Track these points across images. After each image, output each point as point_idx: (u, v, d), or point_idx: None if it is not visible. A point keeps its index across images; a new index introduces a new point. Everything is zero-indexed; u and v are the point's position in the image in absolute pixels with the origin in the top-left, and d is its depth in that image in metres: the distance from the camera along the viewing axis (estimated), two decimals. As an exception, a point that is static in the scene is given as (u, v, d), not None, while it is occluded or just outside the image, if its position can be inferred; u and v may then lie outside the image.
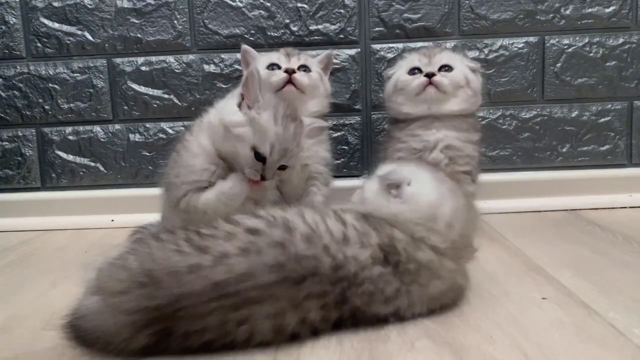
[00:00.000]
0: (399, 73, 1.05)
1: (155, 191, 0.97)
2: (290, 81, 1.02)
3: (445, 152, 0.98)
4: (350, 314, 0.64)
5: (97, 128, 1.35)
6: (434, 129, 1.00)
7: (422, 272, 0.65)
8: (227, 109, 0.83)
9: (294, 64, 1.06)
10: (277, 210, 0.67)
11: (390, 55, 1.31)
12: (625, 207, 1.28)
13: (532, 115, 1.34)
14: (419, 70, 1.02)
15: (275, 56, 1.08)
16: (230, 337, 0.59)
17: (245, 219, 0.65)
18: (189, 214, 0.85)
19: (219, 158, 0.84)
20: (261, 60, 1.09)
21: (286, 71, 1.03)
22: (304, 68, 1.06)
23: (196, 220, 0.80)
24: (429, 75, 0.99)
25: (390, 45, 1.32)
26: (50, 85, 1.34)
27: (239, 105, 0.82)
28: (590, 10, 1.30)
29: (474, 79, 1.02)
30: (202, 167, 0.84)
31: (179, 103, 1.34)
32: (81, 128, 1.35)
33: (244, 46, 1.12)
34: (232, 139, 0.81)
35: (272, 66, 1.06)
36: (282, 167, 0.83)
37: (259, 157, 0.80)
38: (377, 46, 1.32)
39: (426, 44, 1.30)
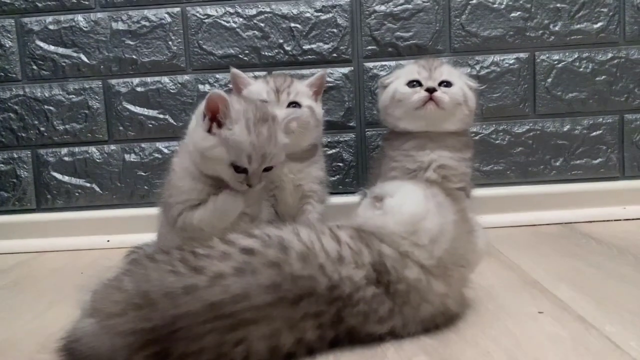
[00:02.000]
0: (397, 83, 1.02)
1: (150, 211, 0.97)
2: None
3: (438, 172, 0.98)
4: (346, 333, 0.63)
5: (92, 149, 1.35)
6: (428, 149, 0.99)
7: (412, 294, 0.65)
8: (196, 135, 0.83)
9: (283, 102, 1.01)
10: (272, 229, 0.67)
11: (383, 73, 1.32)
12: (619, 220, 1.28)
13: (524, 130, 1.35)
14: (419, 83, 0.99)
15: (265, 91, 1.02)
16: (227, 358, 0.58)
17: (240, 238, 0.65)
18: (187, 231, 0.86)
19: (205, 177, 0.85)
20: (252, 92, 1.04)
21: None
22: (294, 104, 1.02)
23: (195, 237, 0.81)
24: (430, 90, 0.96)
25: (383, 63, 1.33)
26: (45, 107, 1.34)
27: (209, 130, 0.82)
28: (578, 26, 1.32)
29: (471, 97, 1.00)
30: (189, 188, 0.86)
31: (174, 123, 1.34)
32: (77, 149, 1.35)
33: (233, 70, 1.09)
34: (209, 161, 0.82)
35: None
36: (267, 169, 0.84)
37: (239, 169, 0.81)
38: (370, 64, 1.33)
39: (418, 61, 1.32)
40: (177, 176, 0.87)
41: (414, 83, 1.00)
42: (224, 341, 0.58)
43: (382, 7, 1.31)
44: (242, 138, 0.80)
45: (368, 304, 0.63)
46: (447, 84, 0.98)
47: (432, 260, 0.66)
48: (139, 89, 1.34)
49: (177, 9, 1.32)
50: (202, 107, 0.83)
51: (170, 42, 1.33)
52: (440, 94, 0.96)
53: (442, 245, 0.67)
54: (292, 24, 1.32)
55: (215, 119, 0.81)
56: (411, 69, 1.03)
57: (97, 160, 1.35)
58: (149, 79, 1.34)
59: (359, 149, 1.35)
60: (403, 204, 0.70)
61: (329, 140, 1.34)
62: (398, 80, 1.03)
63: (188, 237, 0.85)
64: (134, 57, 1.33)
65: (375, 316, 0.63)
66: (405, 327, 0.65)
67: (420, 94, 0.97)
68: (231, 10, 1.31)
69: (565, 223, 1.28)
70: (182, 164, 0.88)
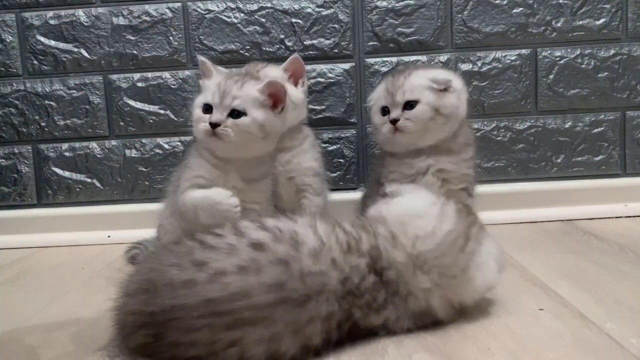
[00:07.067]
0: (373, 111, 1.03)
1: (151, 207, 0.98)
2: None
3: (437, 175, 0.96)
4: (348, 332, 0.63)
5: (93, 144, 1.35)
6: (424, 155, 0.97)
7: (401, 284, 0.65)
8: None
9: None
10: (286, 222, 0.65)
11: (384, 69, 1.32)
12: (620, 217, 1.28)
13: (526, 126, 1.35)
14: (388, 109, 0.98)
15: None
16: (218, 358, 0.57)
17: (252, 229, 0.64)
18: (183, 214, 0.90)
19: (215, 159, 0.91)
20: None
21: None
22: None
23: (189, 226, 0.84)
24: (393, 122, 0.95)
25: (384, 59, 1.33)
26: (46, 102, 1.34)
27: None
28: (581, 22, 1.32)
29: (445, 103, 0.95)
30: (199, 165, 0.91)
31: (175, 118, 1.34)
32: (77, 144, 1.35)
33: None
34: (194, 120, 0.90)
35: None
36: (235, 116, 0.87)
37: (206, 108, 0.88)
38: (371, 60, 1.33)
39: (420, 57, 1.31)
40: (192, 155, 0.94)
41: (384, 109, 0.99)
42: (217, 339, 0.57)
43: (384, 3, 1.31)
44: (214, 81, 0.91)
45: (370, 292, 0.63)
46: (411, 104, 0.95)
47: (414, 250, 0.66)
48: (139, 84, 1.33)
49: (178, 4, 1.31)
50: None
51: (171, 38, 1.32)
52: (403, 122, 0.95)
53: (426, 245, 0.67)
54: (294, 20, 1.31)
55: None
56: (380, 93, 1.01)
57: (98, 156, 1.35)
58: (149, 75, 1.33)
59: (360, 145, 1.35)
60: (408, 201, 0.74)
61: (330, 136, 1.34)
62: (374, 106, 1.03)
63: (185, 227, 0.88)
64: (134, 52, 1.33)
65: (375, 304, 0.63)
66: (398, 321, 0.65)
67: (386, 125, 0.97)
68: (232, 6, 1.31)
69: (566, 220, 1.28)
70: (199, 150, 0.94)
